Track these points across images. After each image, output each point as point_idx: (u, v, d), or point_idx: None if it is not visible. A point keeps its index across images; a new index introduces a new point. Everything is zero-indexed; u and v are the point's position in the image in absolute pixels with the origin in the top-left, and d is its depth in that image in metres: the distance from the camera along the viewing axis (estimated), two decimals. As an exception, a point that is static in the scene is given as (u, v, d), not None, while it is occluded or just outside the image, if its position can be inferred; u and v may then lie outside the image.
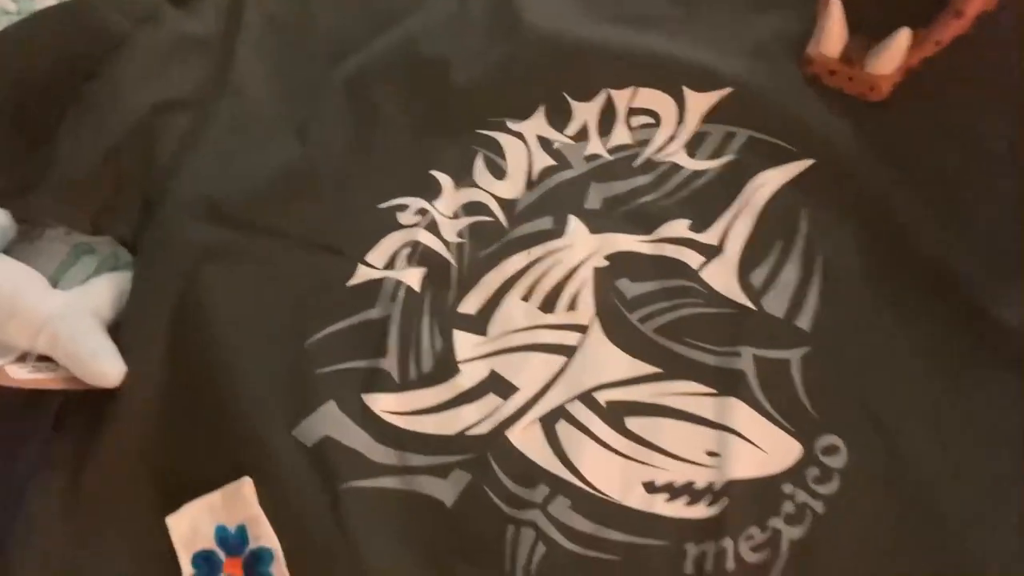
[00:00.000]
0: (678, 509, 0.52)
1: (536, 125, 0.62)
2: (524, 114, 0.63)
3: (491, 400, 0.56)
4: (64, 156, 0.61)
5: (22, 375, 0.53)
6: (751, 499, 0.52)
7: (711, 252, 0.58)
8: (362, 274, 0.59)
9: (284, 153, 0.63)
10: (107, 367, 0.54)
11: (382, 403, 0.56)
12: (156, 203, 0.60)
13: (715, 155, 0.60)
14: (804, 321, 0.56)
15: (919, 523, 0.51)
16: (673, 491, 0.53)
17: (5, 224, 0.60)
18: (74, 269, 0.62)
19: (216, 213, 0.60)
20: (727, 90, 0.61)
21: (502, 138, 0.62)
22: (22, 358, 0.56)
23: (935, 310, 0.55)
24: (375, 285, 0.59)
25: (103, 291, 0.58)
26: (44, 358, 0.55)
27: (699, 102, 0.61)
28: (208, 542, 0.53)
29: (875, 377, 0.54)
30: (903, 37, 0.57)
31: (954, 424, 0.52)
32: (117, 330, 0.57)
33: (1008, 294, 0.54)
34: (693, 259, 0.58)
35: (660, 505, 0.52)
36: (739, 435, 0.53)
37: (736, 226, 0.58)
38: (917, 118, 0.59)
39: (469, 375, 0.56)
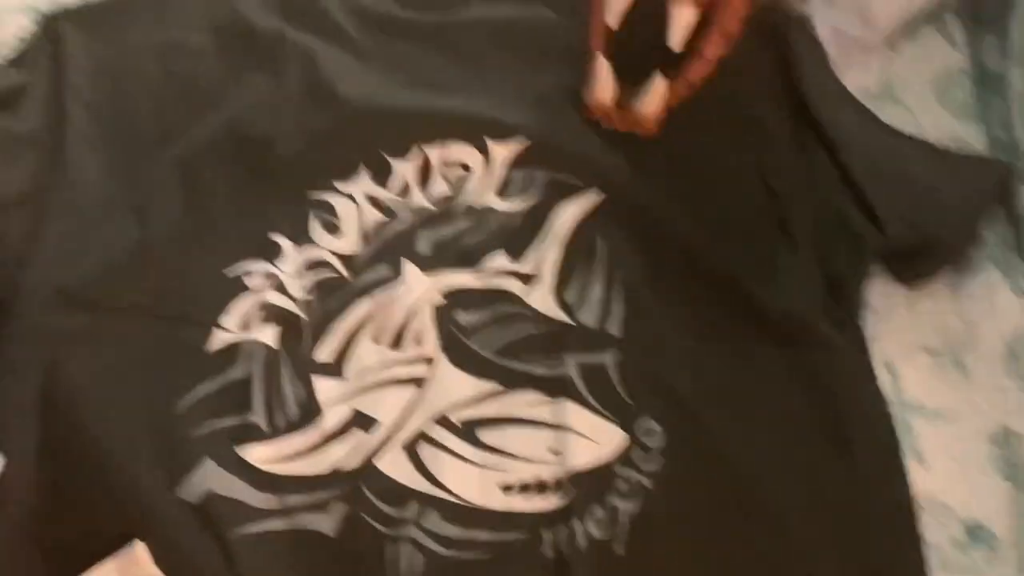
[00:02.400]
0: (532, 503, 0.61)
1: (363, 184, 0.70)
2: (349, 176, 0.70)
3: (356, 435, 0.62)
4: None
5: None
6: (591, 484, 0.61)
7: (530, 279, 0.67)
8: (220, 339, 0.65)
9: (124, 234, 0.67)
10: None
11: (256, 453, 0.62)
12: (7, 299, 0.63)
13: (522, 195, 0.70)
14: (614, 327, 0.66)
15: (729, 486, 0.62)
16: (526, 489, 0.61)
17: None
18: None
19: (67, 299, 0.64)
20: (523, 138, 0.70)
21: (333, 199, 0.69)
22: None
23: (716, 305, 0.67)
24: (233, 347, 0.65)
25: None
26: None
27: (501, 151, 0.71)
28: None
29: (673, 364, 0.65)
30: (659, 82, 0.69)
31: (743, 396, 0.64)
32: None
33: (766, 281, 0.67)
34: (516, 287, 0.67)
35: (517, 503, 0.61)
36: (574, 431, 0.63)
37: (547, 255, 0.68)
38: (680, 147, 0.71)
39: (332, 416, 0.63)
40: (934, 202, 0.69)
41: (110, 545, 0.58)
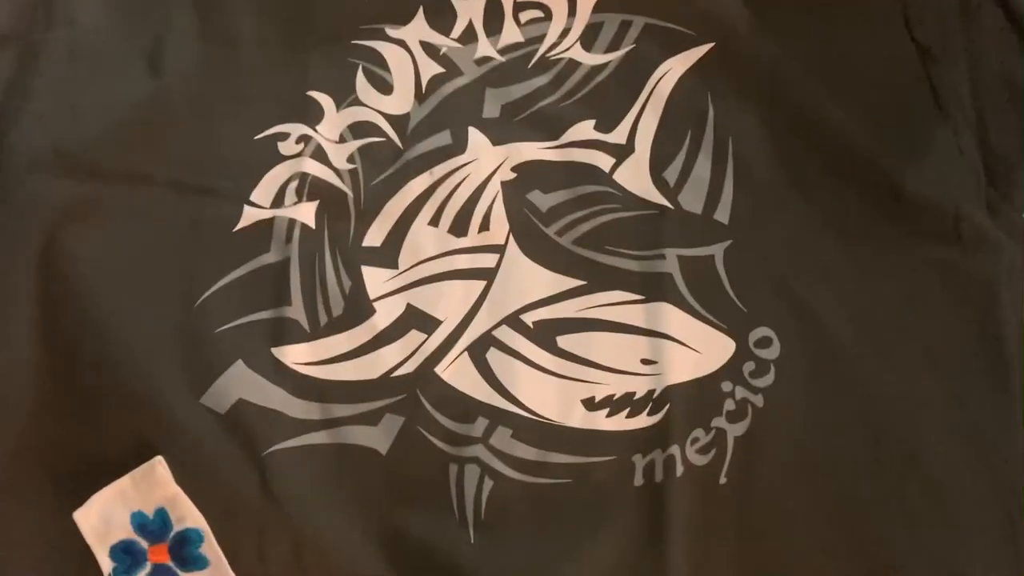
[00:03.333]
0: (620, 422, 0.52)
1: (417, 29, 0.58)
2: (402, 18, 0.58)
3: (413, 336, 0.53)
4: None
5: None
6: (692, 402, 0.52)
7: (621, 152, 0.56)
8: (248, 216, 0.55)
9: (135, 87, 0.56)
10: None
11: (294, 355, 0.53)
12: (-7, 162, 0.53)
13: (612, 47, 0.58)
14: (722, 214, 0.55)
15: (852, 404, 0.52)
16: (613, 404, 0.52)
17: None
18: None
19: (67, 164, 0.53)
20: (616, -27, 0.57)
21: (382, 47, 0.57)
22: None
23: (844, 187, 0.56)
24: (265, 226, 0.54)
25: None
26: None
27: (589, -10, 0.58)
28: (125, 532, 0.49)
29: (795, 263, 0.54)
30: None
31: (875, 302, 0.54)
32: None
33: (912, 164, 0.55)
34: (604, 162, 0.56)
35: (602, 421, 0.52)
36: (672, 339, 0.53)
37: (644, 121, 0.56)
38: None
39: (385, 313, 0.53)
40: None
41: (124, 461, 0.50)
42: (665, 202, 0.55)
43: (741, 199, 0.55)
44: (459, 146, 0.56)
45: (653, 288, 0.54)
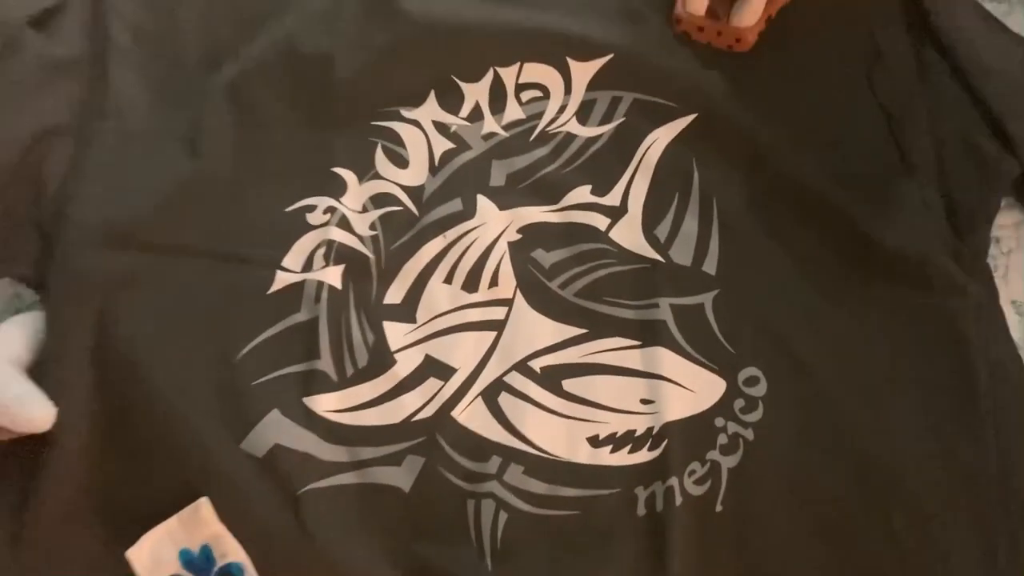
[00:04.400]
0: (623, 458, 0.57)
1: (430, 110, 0.65)
2: (416, 101, 0.65)
3: (431, 384, 0.59)
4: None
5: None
6: (688, 437, 0.57)
7: (616, 213, 0.63)
8: (281, 279, 0.61)
9: (174, 167, 0.63)
10: (36, 412, 0.55)
11: (324, 403, 0.59)
12: (53, 236, 0.60)
13: (605, 120, 0.65)
14: (710, 266, 0.61)
15: (835, 436, 0.58)
16: (616, 441, 0.58)
17: None
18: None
19: (116, 238, 0.60)
20: (607, 56, 0.65)
21: (398, 127, 0.65)
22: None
23: (820, 239, 0.62)
24: (296, 288, 0.61)
25: (16, 336, 0.57)
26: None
27: (583, 71, 0.65)
28: (174, 568, 0.54)
29: (778, 308, 0.60)
30: (757, -10, 0.63)
31: (853, 342, 0.60)
32: (38, 372, 0.57)
33: (882, 217, 0.62)
34: (600, 222, 0.62)
35: (606, 456, 0.57)
36: (668, 380, 0.59)
37: (635, 185, 0.63)
38: (782, 62, 0.66)
39: (405, 363, 0.60)
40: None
41: (172, 503, 0.55)
42: (657, 256, 0.62)
43: (726, 251, 0.62)
44: (469, 212, 0.63)
45: (649, 334, 0.60)
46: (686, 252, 0.62)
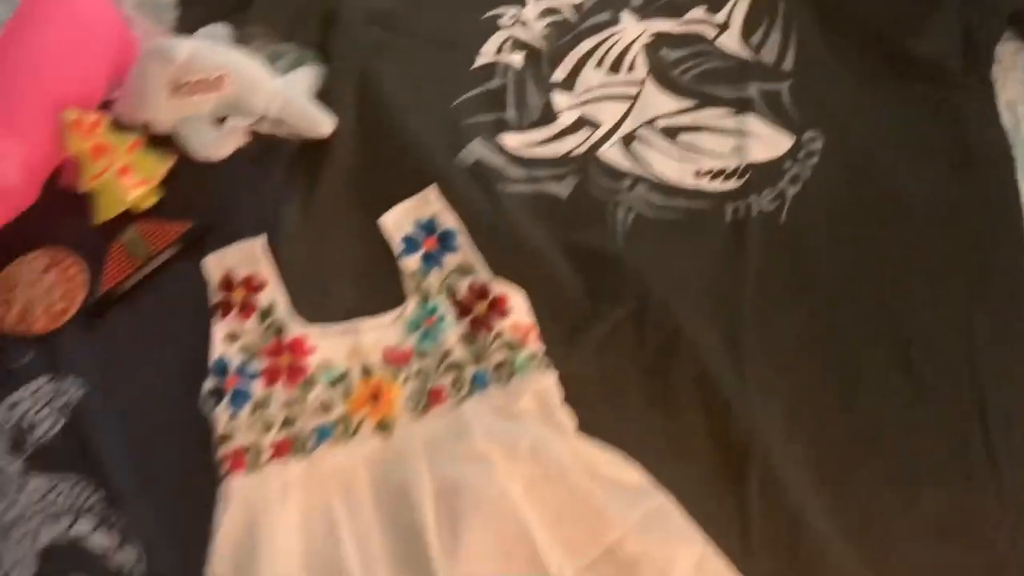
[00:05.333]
0: (717, 185, 0.83)
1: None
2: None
3: (584, 132, 0.86)
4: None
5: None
6: (764, 172, 0.83)
7: (722, 27, 0.89)
8: (480, 60, 0.89)
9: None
10: (324, 122, 0.83)
11: (509, 140, 0.86)
12: (335, 15, 0.89)
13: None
14: (787, 64, 0.87)
15: (869, 181, 0.82)
16: (713, 174, 0.84)
17: (225, 33, 0.87)
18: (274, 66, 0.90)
19: (375, 20, 0.89)
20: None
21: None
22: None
23: (872, 51, 0.87)
24: (490, 67, 0.89)
25: (304, 79, 0.86)
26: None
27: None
28: (411, 229, 0.82)
29: (833, 94, 0.85)
30: None
31: (884, 116, 0.84)
32: (318, 103, 0.86)
33: (914, 35, 0.86)
34: (710, 32, 0.89)
35: (705, 183, 0.83)
36: (754, 135, 0.85)
37: (737, 8, 0.89)
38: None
39: (565, 119, 0.87)
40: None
41: (409, 191, 0.83)
42: (750, 56, 0.88)
43: (800, 55, 0.87)
44: (615, 21, 0.90)
45: (740, 106, 0.86)
46: (771, 54, 0.88)
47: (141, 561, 0.72)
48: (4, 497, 0.75)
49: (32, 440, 0.77)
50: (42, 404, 0.78)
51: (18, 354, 0.81)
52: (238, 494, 0.71)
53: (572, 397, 0.73)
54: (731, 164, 0.83)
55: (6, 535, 0.73)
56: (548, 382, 0.73)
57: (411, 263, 0.80)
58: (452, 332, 0.76)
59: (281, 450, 0.72)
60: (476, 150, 0.85)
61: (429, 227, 0.82)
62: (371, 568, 0.67)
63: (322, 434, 0.73)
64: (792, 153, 0.83)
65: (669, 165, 0.84)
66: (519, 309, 0.76)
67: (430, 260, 0.80)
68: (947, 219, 0.79)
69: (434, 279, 0.79)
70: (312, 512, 0.70)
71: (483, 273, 0.78)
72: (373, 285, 0.81)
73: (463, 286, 0.78)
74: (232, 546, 0.69)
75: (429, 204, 0.82)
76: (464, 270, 0.79)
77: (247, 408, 0.74)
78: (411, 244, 0.81)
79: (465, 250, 0.80)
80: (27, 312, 0.82)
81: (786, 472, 0.69)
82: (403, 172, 0.84)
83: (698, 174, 0.84)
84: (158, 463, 0.75)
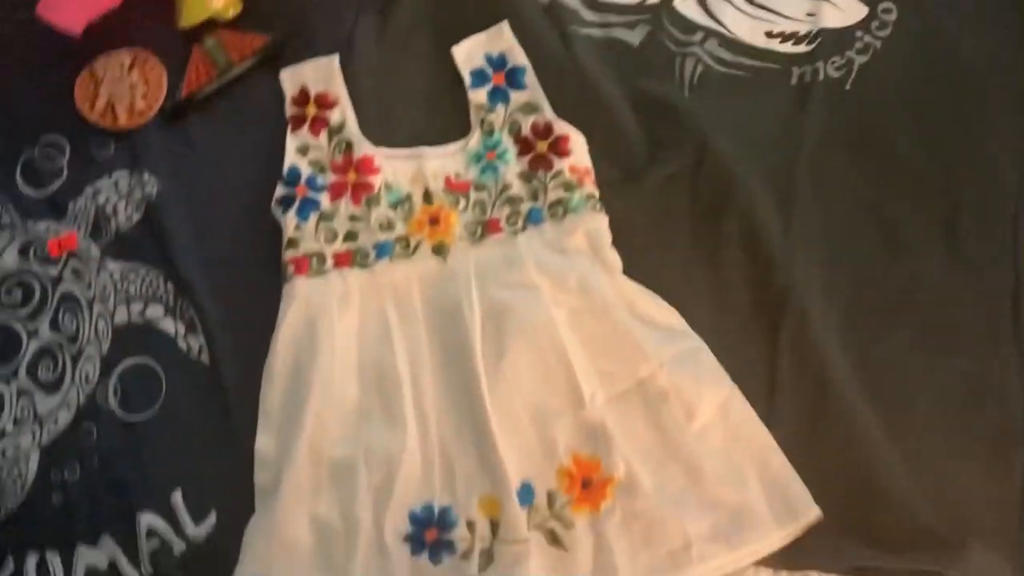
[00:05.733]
0: (787, 47, 0.85)
1: None
2: None
3: (661, -12, 0.87)
4: None
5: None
6: (835, 39, 0.84)
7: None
8: None
9: None
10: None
11: (582, -11, 0.87)
12: None
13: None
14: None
15: (937, 58, 0.83)
16: (784, 37, 0.85)
17: None
18: None
19: None
20: None
21: None
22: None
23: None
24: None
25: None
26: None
27: None
28: (480, 63, 0.85)
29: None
30: None
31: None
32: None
33: None
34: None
35: (776, 44, 0.85)
36: (829, 2, 0.85)
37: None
38: None
39: (642, -27, 0.87)
40: None
41: (483, 24, 0.85)
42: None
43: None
44: None
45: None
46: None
47: (204, 351, 0.78)
48: (84, 277, 0.81)
49: (111, 228, 0.83)
50: (121, 195, 0.83)
51: (102, 146, 0.86)
52: (301, 295, 0.76)
53: (621, 240, 0.77)
54: (803, 28, 0.84)
55: (86, 311, 0.80)
56: (600, 223, 0.76)
57: (479, 96, 0.83)
58: (512, 167, 0.79)
59: (343, 260, 0.77)
60: (554, -3, 0.86)
61: (499, 62, 0.84)
62: (419, 375, 0.72)
63: (382, 250, 0.77)
64: (865, 23, 0.84)
65: (742, 23, 0.85)
66: (579, 151, 0.79)
67: (497, 95, 0.83)
68: (1005, 86, 0.80)
69: (499, 114, 0.82)
70: (368, 319, 0.75)
71: (547, 112, 0.81)
72: (439, 114, 0.84)
73: (527, 124, 0.81)
74: (292, 341, 0.74)
75: (501, 39, 0.85)
76: (529, 108, 0.81)
77: (313, 218, 0.78)
78: (480, 77, 0.84)
79: (532, 88, 0.83)
80: (111, 107, 0.86)
81: (818, 331, 0.73)
82: (479, 4, 0.86)
83: (770, 35, 0.85)
84: (225, 261, 0.81)
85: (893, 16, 0.84)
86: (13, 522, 0.74)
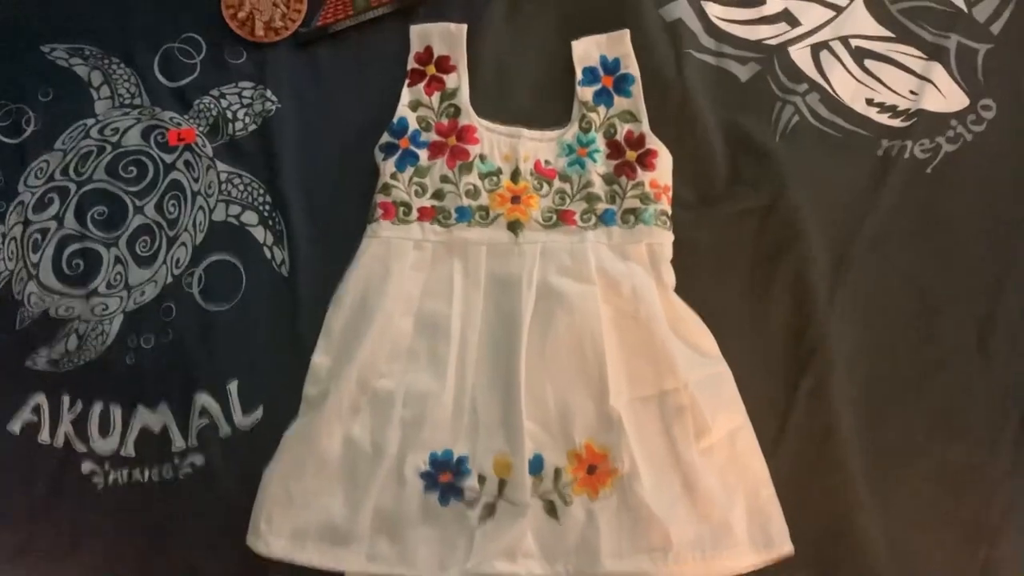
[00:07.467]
0: (884, 119, 0.90)
1: None
2: None
3: (782, 26, 0.93)
4: None
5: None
6: (930, 123, 0.89)
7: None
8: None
9: None
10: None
11: (714, 10, 0.94)
12: None
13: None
14: (996, 28, 0.92)
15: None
16: (883, 108, 0.91)
17: None
18: None
19: None
20: None
21: None
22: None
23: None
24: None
25: None
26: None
27: None
28: (594, 62, 0.92)
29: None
30: None
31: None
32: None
33: None
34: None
35: (873, 113, 0.90)
36: (933, 84, 0.91)
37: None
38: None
39: (772, 6, 0.93)
40: None
41: (607, 28, 0.92)
42: (964, 7, 0.93)
43: (1010, 24, 0.92)
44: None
45: (934, 53, 0.91)
46: (984, 13, 0.92)
47: (286, 264, 0.88)
48: (194, 170, 0.91)
49: (227, 132, 0.92)
50: (243, 104, 0.93)
51: (235, 54, 0.95)
52: (383, 236, 0.85)
53: (681, 259, 0.84)
54: (903, 104, 0.90)
55: (189, 201, 0.90)
56: (665, 239, 0.84)
57: (585, 93, 0.90)
58: (598, 167, 0.87)
59: (426, 215, 0.86)
60: (682, 9, 0.93)
61: (613, 66, 0.91)
62: (468, 333, 0.82)
63: (462, 214, 0.86)
64: (963, 114, 0.90)
65: (848, 84, 0.91)
66: (664, 168, 0.87)
67: (602, 96, 0.90)
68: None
69: (600, 114, 0.89)
70: (436, 272, 0.84)
71: (644, 124, 0.88)
72: (546, 100, 0.91)
73: (622, 130, 0.88)
74: (365, 276, 0.84)
75: (620, 45, 0.91)
76: (628, 116, 0.89)
77: (410, 170, 0.87)
78: (591, 75, 0.91)
79: (636, 98, 0.90)
80: (252, 17, 0.95)
81: (837, 388, 0.81)
82: (608, 7, 0.92)
83: (870, 102, 0.91)
84: (323, 188, 0.90)
85: (991, 114, 0.89)
86: (89, 371, 0.85)
